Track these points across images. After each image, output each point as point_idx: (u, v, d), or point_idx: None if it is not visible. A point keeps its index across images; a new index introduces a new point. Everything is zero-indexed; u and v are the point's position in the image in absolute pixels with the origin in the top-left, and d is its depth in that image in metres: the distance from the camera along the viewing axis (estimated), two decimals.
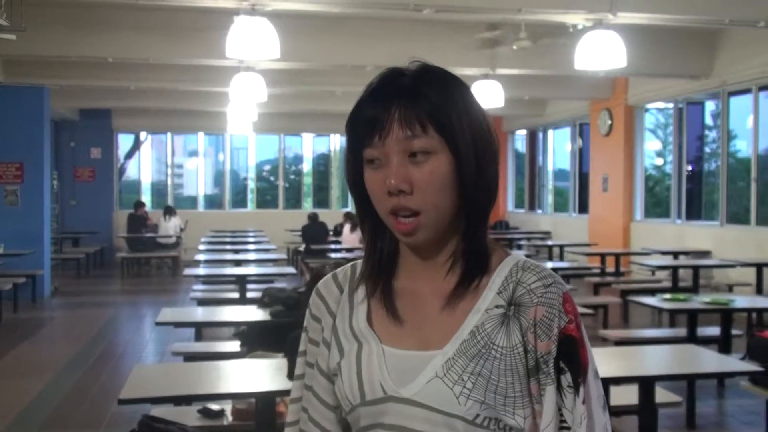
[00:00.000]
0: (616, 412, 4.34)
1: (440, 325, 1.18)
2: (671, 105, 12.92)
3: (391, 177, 1.14)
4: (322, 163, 20.56)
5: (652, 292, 9.09)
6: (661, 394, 4.34)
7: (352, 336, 1.24)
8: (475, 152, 1.17)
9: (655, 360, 4.59)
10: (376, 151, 1.16)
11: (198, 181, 19.65)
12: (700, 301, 6.52)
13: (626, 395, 4.37)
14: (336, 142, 20.09)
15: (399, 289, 1.24)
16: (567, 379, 1.15)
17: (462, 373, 1.13)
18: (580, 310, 6.04)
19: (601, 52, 7.09)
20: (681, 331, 6.85)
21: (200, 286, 10.00)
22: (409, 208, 1.14)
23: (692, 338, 6.13)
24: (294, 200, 20.07)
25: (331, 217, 16.46)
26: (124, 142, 19.19)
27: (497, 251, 1.23)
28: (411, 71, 1.21)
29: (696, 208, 12.74)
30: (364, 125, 1.17)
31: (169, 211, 16.21)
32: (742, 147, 11.78)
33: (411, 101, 1.15)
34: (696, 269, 9.58)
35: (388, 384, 1.17)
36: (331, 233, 14.55)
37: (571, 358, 1.15)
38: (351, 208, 18.45)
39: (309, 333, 1.30)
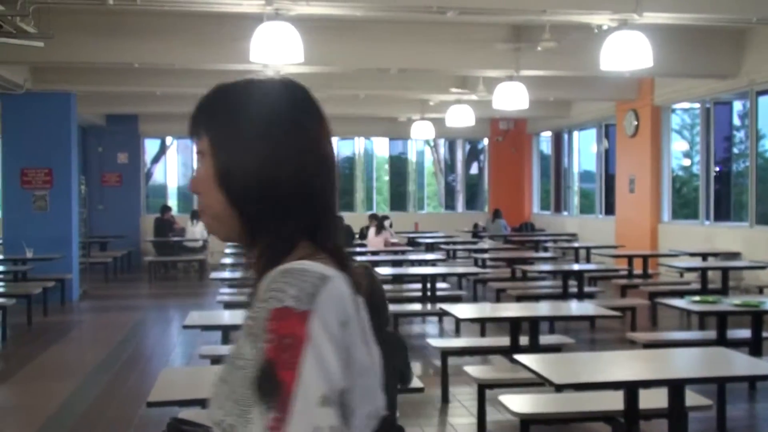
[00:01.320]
0: (645, 415, 4.29)
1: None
2: (698, 105, 12.79)
3: None
4: (346, 166, 20.58)
5: (680, 294, 8.98)
6: (691, 398, 4.29)
7: None
8: (235, 155, 1.19)
9: (684, 363, 4.55)
10: None
11: None
12: (730, 303, 6.44)
13: (656, 398, 4.32)
14: (360, 146, 20.10)
15: None
16: (268, 402, 1.07)
17: (219, 378, 1.16)
18: (607, 312, 5.96)
19: (626, 52, 7.04)
20: (710, 334, 6.77)
21: (227, 290, 10.02)
22: (198, 209, 1.26)
23: (722, 341, 6.05)
24: None
25: (356, 220, 16.45)
26: (151, 146, 19.35)
27: (299, 255, 1.18)
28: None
29: (724, 209, 12.59)
30: None
31: (195, 215, 16.30)
32: None
33: (195, 110, 1.25)
34: (725, 271, 9.47)
35: None
36: (356, 236, 14.56)
37: (268, 381, 1.07)
38: (375, 210, 18.47)
39: None
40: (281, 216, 1.19)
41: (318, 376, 1.07)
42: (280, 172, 1.19)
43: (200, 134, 1.22)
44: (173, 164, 19.73)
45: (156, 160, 19.65)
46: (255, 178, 1.18)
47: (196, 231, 16.05)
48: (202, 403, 4.26)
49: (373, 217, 14.34)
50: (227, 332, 6.69)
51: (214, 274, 9.44)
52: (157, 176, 19.81)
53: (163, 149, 19.53)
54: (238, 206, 1.20)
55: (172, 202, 19.00)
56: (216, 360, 5.62)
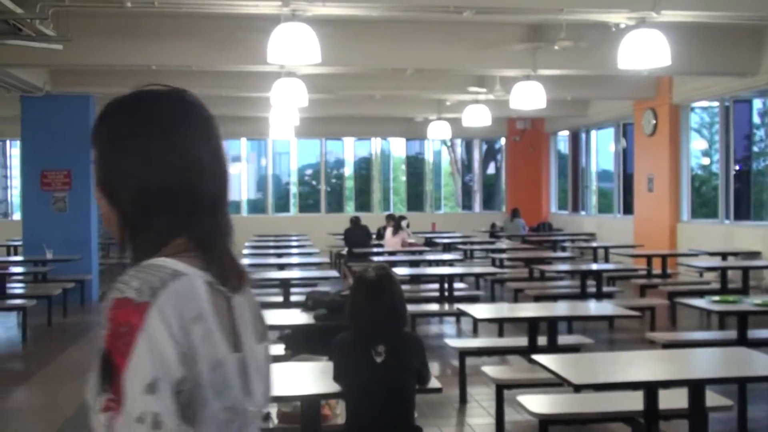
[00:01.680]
0: (665, 416, 4.26)
1: None
2: (717, 103, 12.70)
3: None
4: (363, 166, 20.61)
5: (700, 293, 8.91)
6: (712, 398, 4.25)
7: None
8: (112, 161, 1.29)
9: (704, 363, 4.51)
10: None
11: (241, 186, 19.84)
12: (751, 302, 6.39)
13: (676, 399, 4.29)
14: (377, 146, 20.12)
15: None
16: (104, 386, 1.13)
17: (95, 365, 1.17)
18: (626, 312, 5.93)
19: (644, 50, 6.99)
20: (731, 334, 6.70)
21: None
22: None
23: (743, 341, 6.00)
24: (336, 204, 20.14)
25: (373, 220, 16.48)
26: None
27: (168, 252, 1.25)
28: None
29: (744, 208, 12.50)
30: None
31: None
32: None
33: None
34: (746, 270, 9.39)
35: None
36: (373, 236, 14.57)
37: (105, 366, 1.14)
38: (392, 210, 18.46)
39: None
40: (152, 216, 1.27)
41: (147, 364, 1.12)
42: (148, 176, 1.26)
43: (93, 145, 1.32)
44: None
45: None
46: (127, 182, 1.27)
47: None
48: None
49: (390, 217, 14.33)
50: None
51: None
52: None
53: None
54: (117, 208, 1.29)
55: None
56: None
